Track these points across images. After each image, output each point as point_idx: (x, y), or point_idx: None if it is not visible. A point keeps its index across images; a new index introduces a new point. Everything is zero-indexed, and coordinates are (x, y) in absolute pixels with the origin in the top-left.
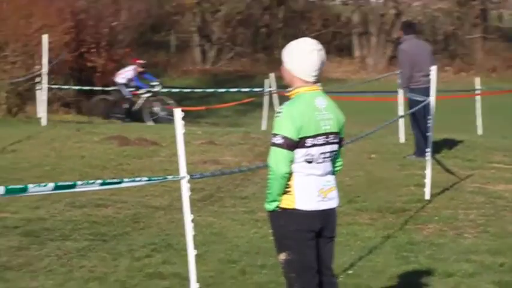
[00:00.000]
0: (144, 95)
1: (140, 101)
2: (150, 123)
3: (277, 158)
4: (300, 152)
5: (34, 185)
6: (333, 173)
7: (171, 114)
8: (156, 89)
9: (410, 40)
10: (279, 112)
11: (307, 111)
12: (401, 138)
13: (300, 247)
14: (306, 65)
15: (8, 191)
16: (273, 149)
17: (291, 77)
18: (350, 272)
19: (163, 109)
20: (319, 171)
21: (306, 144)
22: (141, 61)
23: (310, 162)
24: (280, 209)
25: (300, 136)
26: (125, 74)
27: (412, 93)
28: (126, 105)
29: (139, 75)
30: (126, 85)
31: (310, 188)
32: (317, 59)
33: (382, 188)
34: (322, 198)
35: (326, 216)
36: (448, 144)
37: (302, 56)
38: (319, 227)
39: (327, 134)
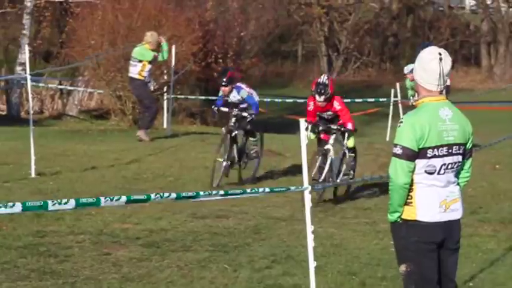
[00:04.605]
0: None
1: None
2: None
3: (396, 169)
4: (420, 163)
5: (156, 194)
6: (458, 184)
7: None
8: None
9: None
10: (401, 122)
11: (429, 122)
12: None
13: (420, 259)
14: (427, 74)
15: (130, 201)
16: (393, 159)
17: (417, 86)
18: (471, 284)
19: None
20: (442, 183)
21: (427, 155)
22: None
23: (431, 173)
24: (401, 220)
25: (421, 147)
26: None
27: None
28: None
29: None
30: None
31: (432, 199)
32: (437, 68)
33: (505, 199)
34: (444, 209)
35: (449, 228)
36: None
37: (423, 65)
38: (441, 238)
39: (449, 145)
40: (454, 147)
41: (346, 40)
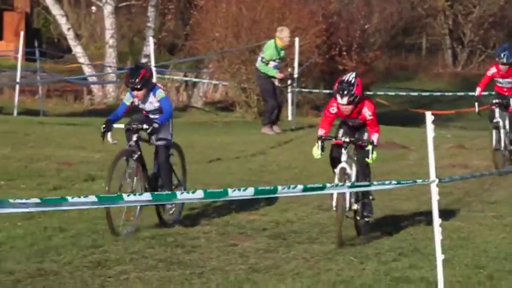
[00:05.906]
0: None
1: None
2: None
3: None
4: None
5: (283, 186)
6: None
7: None
8: None
9: None
10: None
11: None
12: None
13: None
14: None
15: (258, 192)
16: None
17: None
18: None
19: None
20: None
21: None
22: None
23: None
24: None
25: None
26: None
27: None
28: None
29: None
30: None
31: None
32: None
33: None
34: None
35: None
36: None
37: None
38: None
39: None
40: None
41: (470, 33)
